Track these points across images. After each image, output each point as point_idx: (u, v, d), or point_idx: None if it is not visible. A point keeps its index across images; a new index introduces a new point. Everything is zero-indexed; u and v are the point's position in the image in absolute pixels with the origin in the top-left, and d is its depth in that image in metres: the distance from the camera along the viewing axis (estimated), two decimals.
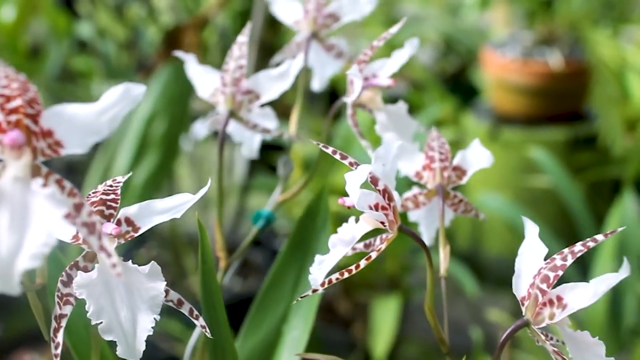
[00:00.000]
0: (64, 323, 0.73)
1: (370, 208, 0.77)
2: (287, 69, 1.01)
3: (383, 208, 0.78)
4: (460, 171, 0.94)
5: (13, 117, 0.60)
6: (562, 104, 2.98)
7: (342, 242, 0.80)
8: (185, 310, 0.77)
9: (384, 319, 2.27)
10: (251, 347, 1.05)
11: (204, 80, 1.04)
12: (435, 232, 1.00)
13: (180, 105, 2.37)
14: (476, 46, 3.86)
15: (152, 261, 0.75)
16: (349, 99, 0.99)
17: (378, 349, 2.22)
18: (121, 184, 0.75)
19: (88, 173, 2.37)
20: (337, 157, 0.79)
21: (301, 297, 0.81)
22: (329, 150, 0.79)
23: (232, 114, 1.01)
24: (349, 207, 0.80)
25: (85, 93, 3.52)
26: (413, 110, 3.47)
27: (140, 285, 0.74)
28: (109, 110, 0.60)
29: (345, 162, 0.79)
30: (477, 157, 0.94)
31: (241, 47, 1.02)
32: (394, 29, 0.98)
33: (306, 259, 1.08)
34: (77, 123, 0.60)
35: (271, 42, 2.74)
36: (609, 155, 2.88)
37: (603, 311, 1.96)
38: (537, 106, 2.97)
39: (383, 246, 0.79)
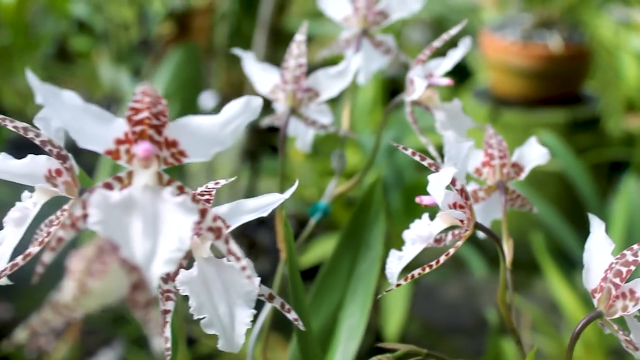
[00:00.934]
0: (169, 318, 0.77)
1: (450, 207, 0.81)
2: (347, 67, 1.04)
3: (461, 207, 0.82)
4: (518, 168, 0.98)
5: (138, 128, 0.63)
6: (560, 86, 3.03)
7: (420, 239, 0.84)
8: (277, 304, 0.81)
9: (395, 300, 2.32)
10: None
11: (263, 77, 1.07)
12: (489, 226, 1.04)
13: (192, 88, 2.39)
14: (468, 26, 3.88)
15: (246, 258, 0.78)
16: (408, 98, 1.02)
17: (390, 329, 2.27)
18: (219, 187, 0.78)
19: (99, 160, 2.39)
20: (417, 158, 0.82)
21: (386, 291, 0.85)
22: (408, 151, 0.82)
23: (293, 111, 1.05)
24: (425, 206, 0.84)
25: (85, 73, 3.52)
26: None
27: (235, 281, 0.77)
28: (232, 122, 0.63)
29: (425, 163, 0.82)
30: (534, 154, 0.98)
31: (300, 46, 1.05)
32: (453, 31, 1.01)
33: (359, 250, 1.12)
34: (201, 134, 0.63)
35: (280, 27, 2.76)
36: (607, 137, 2.94)
37: None
38: (536, 88, 3.02)
39: (460, 243, 0.83)
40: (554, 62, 2.94)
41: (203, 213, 0.65)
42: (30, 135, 0.74)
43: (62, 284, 0.50)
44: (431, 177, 0.79)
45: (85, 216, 0.62)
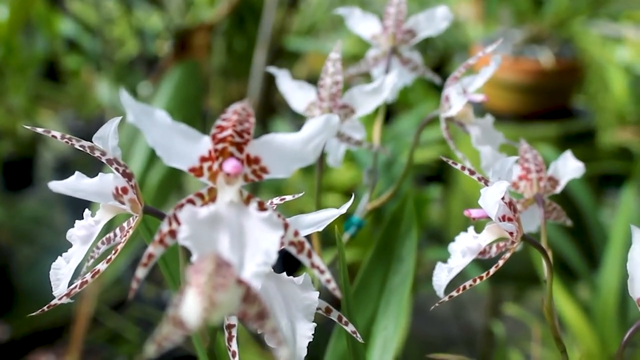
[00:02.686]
0: (234, 332, 0.78)
1: (499, 220, 0.84)
2: (381, 85, 1.06)
3: (509, 219, 0.84)
4: (553, 181, 1.01)
5: (220, 146, 0.65)
6: (551, 100, 3.08)
7: (470, 251, 0.86)
8: (334, 317, 0.83)
9: None
10: (343, 348, 1.10)
11: (298, 95, 1.09)
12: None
13: (193, 106, 2.40)
14: (453, 41, 3.94)
15: (305, 273, 0.80)
16: (444, 114, 1.05)
17: None
18: (282, 203, 0.80)
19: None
20: (466, 172, 0.85)
21: (449, 298, 0.87)
22: (458, 166, 0.85)
23: None
24: (473, 219, 0.86)
25: (75, 91, 3.51)
26: (401, 109, 3.55)
27: (295, 295, 0.79)
28: (314, 139, 0.65)
29: (474, 177, 0.85)
30: (568, 167, 1.01)
31: (335, 64, 1.07)
32: (489, 49, 1.04)
33: (391, 263, 1.14)
34: (284, 151, 0.65)
35: (279, 45, 2.78)
36: (599, 150, 2.99)
37: (613, 304, 2.06)
38: (527, 103, 3.07)
39: (508, 255, 0.86)
40: (545, 77, 2.99)
41: (285, 228, 0.67)
42: (97, 154, 0.76)
43: (181, 299, 0.51)
44: (484, 191, 0.82)
45: (171, 232, 0.64)
